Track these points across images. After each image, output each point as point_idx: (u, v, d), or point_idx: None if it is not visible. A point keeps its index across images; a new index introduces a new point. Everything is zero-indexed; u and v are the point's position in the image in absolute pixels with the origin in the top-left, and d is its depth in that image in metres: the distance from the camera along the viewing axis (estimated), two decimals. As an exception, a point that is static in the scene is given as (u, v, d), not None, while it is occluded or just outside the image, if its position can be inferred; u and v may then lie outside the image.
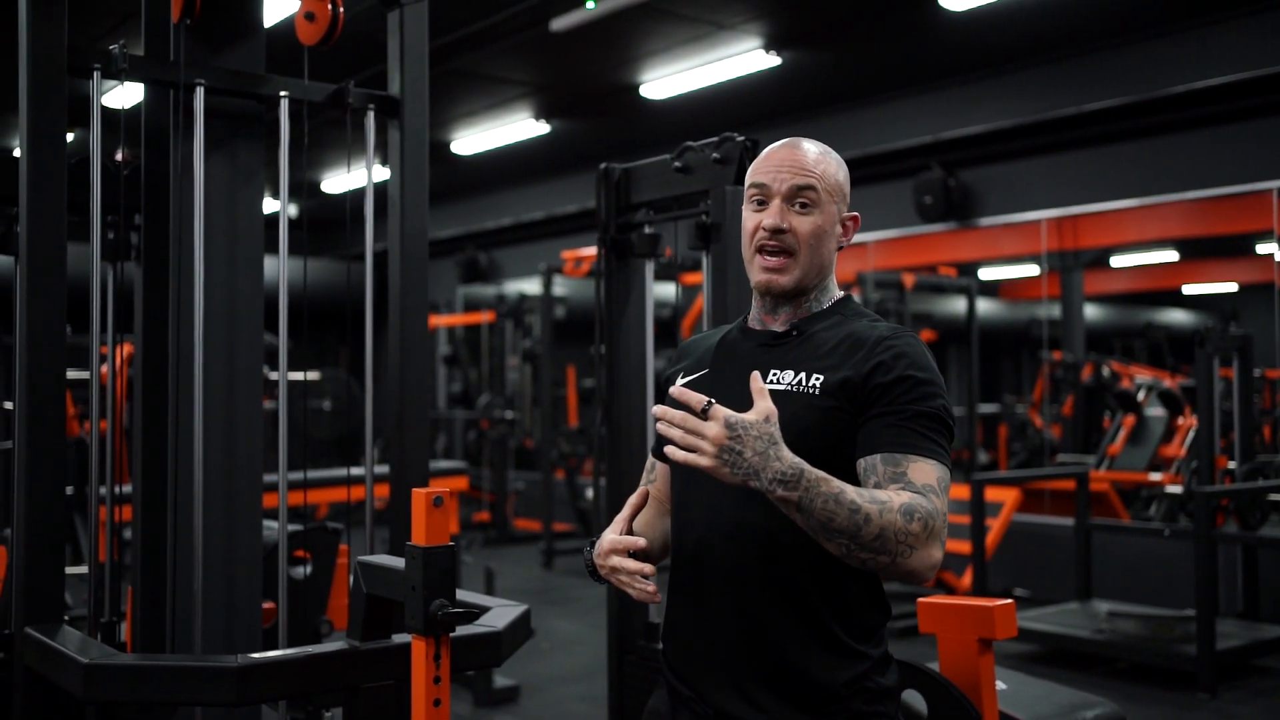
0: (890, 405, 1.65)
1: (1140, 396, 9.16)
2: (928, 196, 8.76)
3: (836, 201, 1.80)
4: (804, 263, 1.77)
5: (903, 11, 7.28)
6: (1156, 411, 9.06)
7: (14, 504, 2.50)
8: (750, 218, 1.81)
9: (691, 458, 1.49)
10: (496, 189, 12.78)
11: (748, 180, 1.83)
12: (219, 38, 2.86)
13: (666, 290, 10.35)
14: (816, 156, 1.79)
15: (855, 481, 1.63)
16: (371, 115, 3.01)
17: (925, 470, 1.62)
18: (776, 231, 1.75)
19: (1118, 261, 13.52)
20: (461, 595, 2.15)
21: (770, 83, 8.58)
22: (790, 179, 1.76)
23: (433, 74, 3.07)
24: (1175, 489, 6.83)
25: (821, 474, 1.52)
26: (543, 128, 10.04)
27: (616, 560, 1.72)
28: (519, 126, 10.05)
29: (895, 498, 1.56)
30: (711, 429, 1.48)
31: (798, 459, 1.51)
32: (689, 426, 1.49)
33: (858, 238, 1.96)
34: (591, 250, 10.15)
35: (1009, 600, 2.17)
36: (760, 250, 1.78)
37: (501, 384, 12.26)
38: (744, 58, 8.02)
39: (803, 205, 1.76)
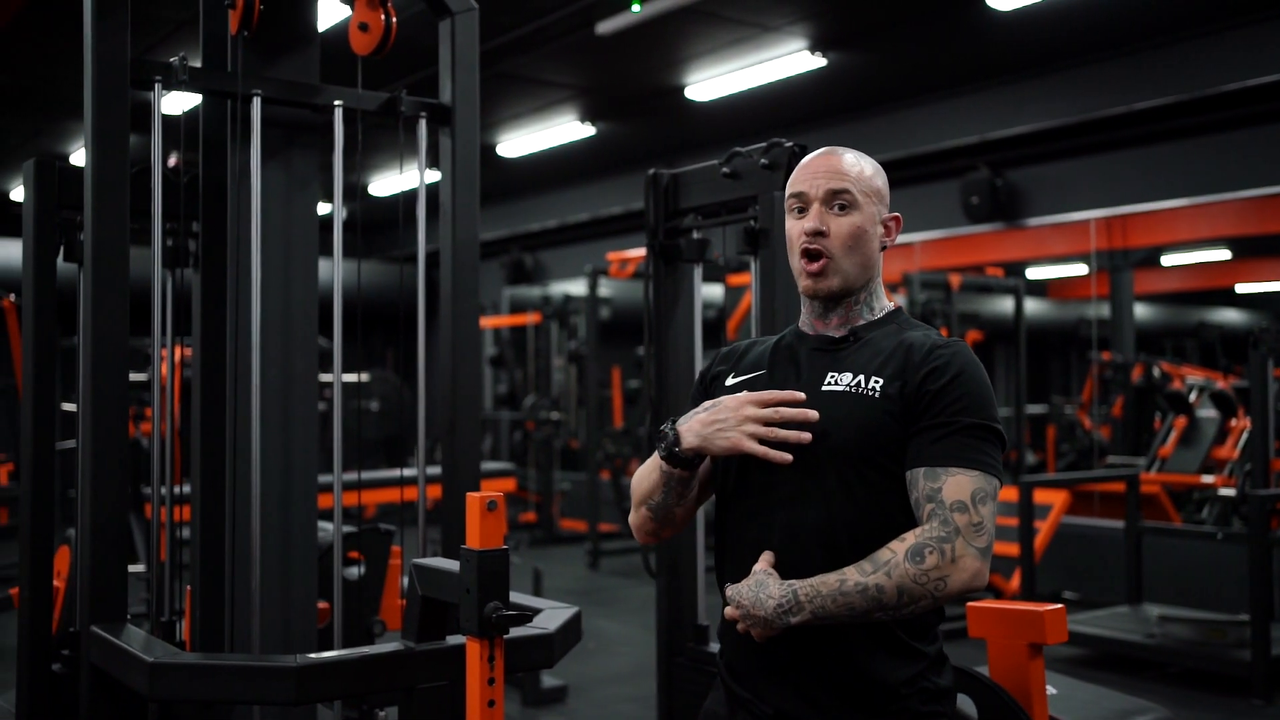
0: (938, 416, 1.68)
1: (1192, 397, 9.02)
2: (974, 196, 8.70)
3: (874, 203, 1.83)
4: (845, 263, 1.80)
5: (949, 11, 7.24)
6: (1209, 413, 8.92)
7: (79, 504, 2.56)
8: (793, 226, 1.85)
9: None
10: (542, 191, 12.84)
11: (787, 191, 1.87)
12: (274, 48, 2.91)
13: (711, 291, 10.34)
14: (851, 161, 1.84)
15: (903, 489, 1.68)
16: (423, 123, 3.05)
17: (961, 484, 1.64)
18: (816, 234, 1.80)
19: (1168, 260, 13.31)
20: (512, 597, 2.18)
21: (816, 84, 8.56)
22: (826, 183, 1.81)
23: (480, 78, 3.10)
24: (1228, 491, 6.74)
25: (813, 580, 1.64)
26: (588, 130, 10.09)
27: (754, 411, 1.71)
28: (565, 129, 10.10)
29: (900, 548, 1.62)
30: (734, 614, 1.73)
31: (783, 584, 1.66)
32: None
33: (904, 238, 2.00)
34: (636, 252, 10.18)
35: (1059, 605, 2.17)
36: (803, 255, 1.82)
37: (547, 385, 12.32)
38: (789, 59, 8.01)
39: (840, 207, 1.81)
